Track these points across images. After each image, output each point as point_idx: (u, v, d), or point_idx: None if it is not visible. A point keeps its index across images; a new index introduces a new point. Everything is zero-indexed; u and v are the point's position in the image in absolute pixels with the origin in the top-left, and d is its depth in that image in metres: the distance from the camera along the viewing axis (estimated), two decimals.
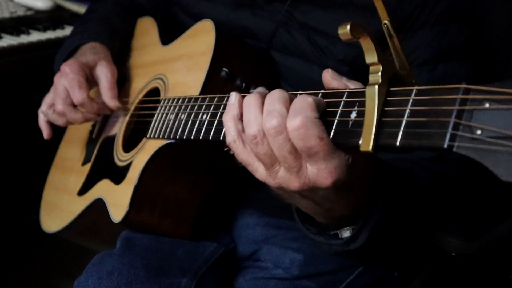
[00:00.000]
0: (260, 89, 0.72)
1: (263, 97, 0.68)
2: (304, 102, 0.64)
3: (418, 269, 1.26)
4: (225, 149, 0.73)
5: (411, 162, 0.94)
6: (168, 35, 1.25)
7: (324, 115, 0.66)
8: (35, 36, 1.61)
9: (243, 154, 0.71)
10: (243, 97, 0.71)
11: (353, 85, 0.69)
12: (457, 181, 0.98)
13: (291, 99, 0.66)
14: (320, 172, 0.65)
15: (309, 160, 0.64)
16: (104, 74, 1.19)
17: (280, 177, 0.68)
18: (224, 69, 1.02)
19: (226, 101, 0.84)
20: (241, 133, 0.70)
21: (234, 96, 0.72)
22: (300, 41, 1.06)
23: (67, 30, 1.68)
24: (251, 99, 0.69)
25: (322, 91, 0.70)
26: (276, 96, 0.66)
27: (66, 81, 1.16)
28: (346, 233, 0.78)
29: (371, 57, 0.62)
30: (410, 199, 0.85)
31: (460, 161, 0.96)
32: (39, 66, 1.61)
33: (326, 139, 0.63)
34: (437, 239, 1.15)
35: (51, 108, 1.20)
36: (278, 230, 1.15)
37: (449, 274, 1.30)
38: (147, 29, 1.35)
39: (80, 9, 1.77)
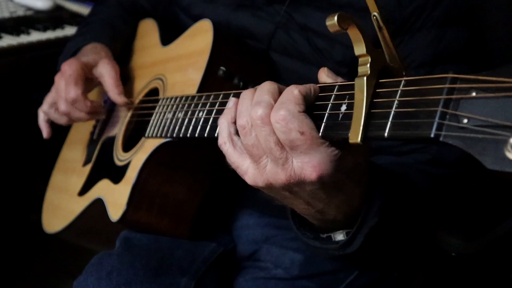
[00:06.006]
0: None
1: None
2: (289, 94, 0.65)
3: (418, 269, 1.26)
4: None
5: (406, 166, 0.94)
6: (168, 37, 1.25)
7: (315, 108, 0.66)
8: (35, 36, 1.61)
9: (233, 156, 0.72)
10: None
11: None
12: (454, 184, 0.98)
13: (281, 91, 0.67)
14: (304, 165, 0.65)
15: (292, 152, 0.65)
16: (107, 71, 1.19)
17: (268, 171, 0.68)
18: (222, 68, 1.02)
19: (222, 98, 0.84)
20: (232, 136, 0.72)
21: (232, 101, 0.73)
22: (299, 43, 1.06)
23: (67, 30, 1.68)
24: (246, 92, 0.70)
25: (314, 85, 0.70)
26: (265, 88, 0.67)
27: (64, 79, 1.16)
28: (339, 236, 0.78)
29: (359, 48, 0.62)
30: (406, 204, 0.84)
31: (457, 164, 0.96)
32: (39, 66, 1.61)
33: (308, 133, 0.63)
34: (437, 239, 1.15)
35: (53, 107, 1.20)
36: (278, 230, 1.15)
37: (449, 274, 1.30)
38: (148, 31, 1.35)
39: (80, 9, 1.77)
